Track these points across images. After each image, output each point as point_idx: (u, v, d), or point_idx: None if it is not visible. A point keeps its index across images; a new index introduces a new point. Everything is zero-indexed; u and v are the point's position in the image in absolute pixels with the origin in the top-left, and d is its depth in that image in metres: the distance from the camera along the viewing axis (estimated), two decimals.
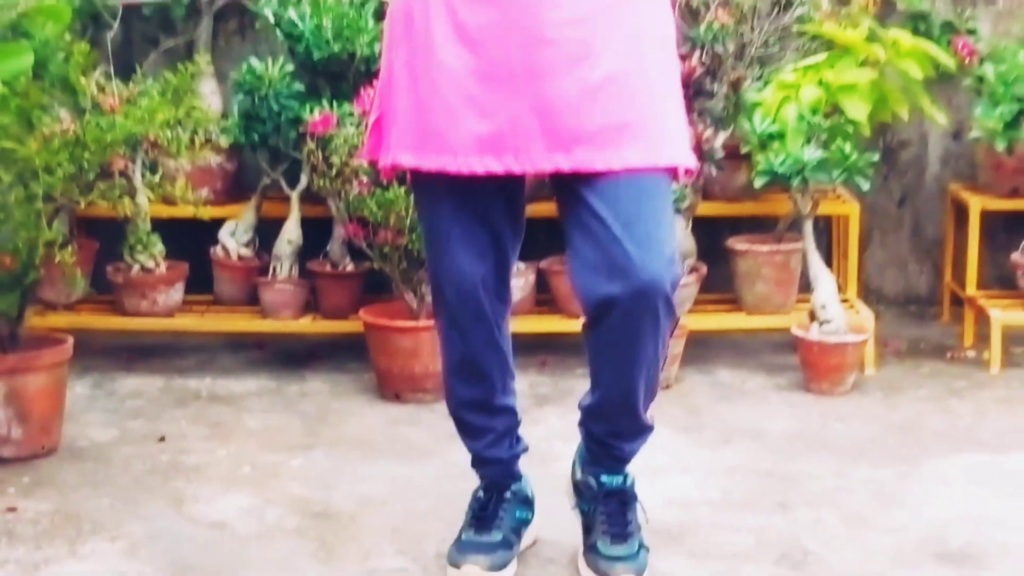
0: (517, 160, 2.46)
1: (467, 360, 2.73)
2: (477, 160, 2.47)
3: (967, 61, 4.41)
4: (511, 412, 2.83)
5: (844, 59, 4.10)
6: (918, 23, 4.51)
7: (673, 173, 2.56)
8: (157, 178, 4.00)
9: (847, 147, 3.97)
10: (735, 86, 4.26)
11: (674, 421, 3.75)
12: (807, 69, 4.09)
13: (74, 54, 3.93)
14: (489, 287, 2.65)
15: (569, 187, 2.51)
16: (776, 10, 4.36)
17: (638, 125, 2.47)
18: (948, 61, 4.19)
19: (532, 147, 2.45)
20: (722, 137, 4.17)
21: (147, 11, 4.56)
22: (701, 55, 4.21)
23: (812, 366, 4.03)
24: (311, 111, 4.05)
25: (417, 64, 2.51)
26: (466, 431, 2.84)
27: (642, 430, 2.74)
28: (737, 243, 4.33)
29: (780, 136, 3.99)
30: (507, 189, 2.60)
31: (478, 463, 2.87)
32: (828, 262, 4.34)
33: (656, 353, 2.59)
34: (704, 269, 4.29)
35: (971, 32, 4.53)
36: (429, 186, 2.60)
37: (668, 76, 2.56)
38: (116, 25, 4.46)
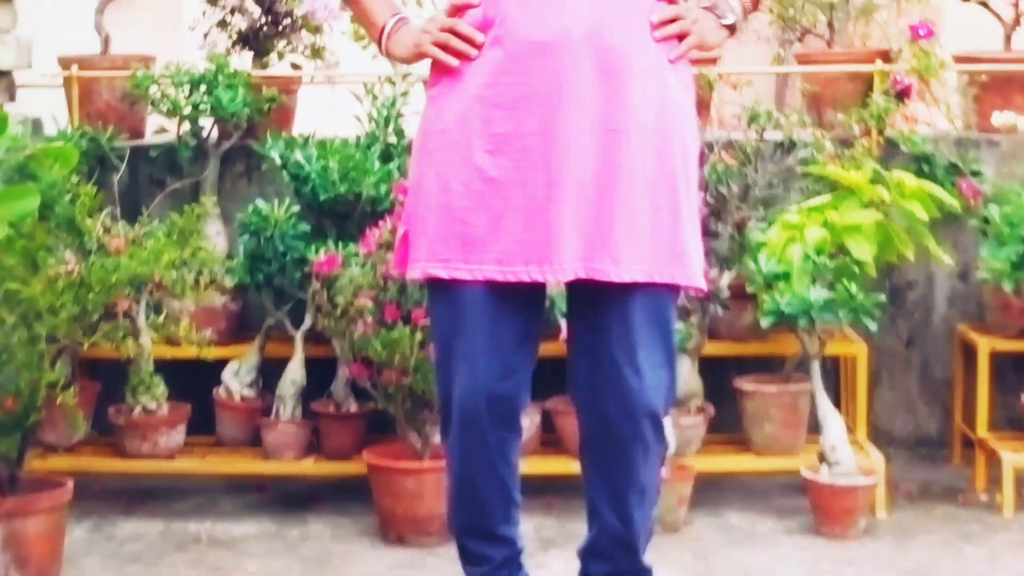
0: (551, 268, 2.47)
1: (470, 483, 2.69)
2: (522, 269, 2.48)
3: (972, 202, 4.42)
4: (511, 543, 2.77)
5: (848, 200, 4.11)
6: (922, 164, 4.52)
7: (680, 290, 2.58)
8: (161, 319, 3.99)
9: (853, 287, 3.96)
10: (740, 227, 4.27)
11: (683, 566, 3.69)
12: (812, 210, 4.09)
13: (81, 196, 3.95)
14: (498, 411, 2.61)
15: (580, 293, 2.53)
16: (779, 152, 4.39)
17: (660, 243, 2.49)
18: (953, 202, 4.20)
19: (565, 255, 2.46)
20: (728, 277, 4.17)
21: (154, 153, 4.60)
22: (706, 196, 4.23)
23: (823, 509, 3.97)
24: (316, 251, 4.06)
25: (451, 175, 2.51)
26: (467, 558, 2.79)
27: (640, 571, 2.70)
28: (744, 383, 4.30)
29: (786, 276, 3.99)
30: (531, 303, 2.59)
31: None
32: (836, 403, 4.30)
33: (649, 481, 2.58)
34: (711, 410, 4.26)
35: (975, 173, 4.54)
36: (454, 298, 2.56)
37: (691, 195, 2.58)
38: (123, 167, 4.50)
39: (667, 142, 2.52)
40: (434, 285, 2.61)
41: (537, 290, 2.57)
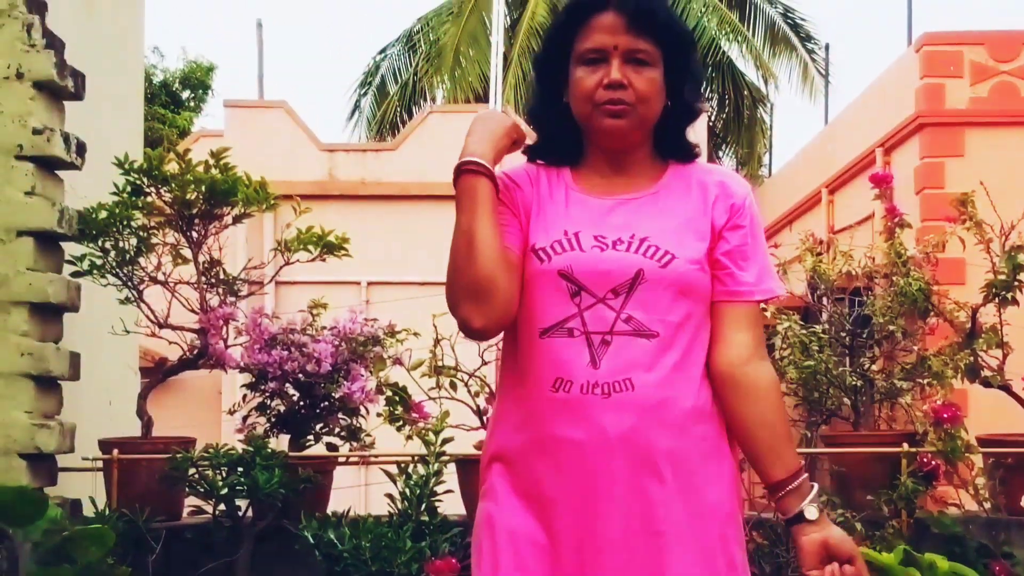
0: None
1: None
2: None
3: None
4: None
5: None
6: (953, 547, 4.50)
7: None
8: None
9: None
10: None
11: None
12: None
13: None
14: None
15: None
16: None
17: None
18: None
19: None
20: None
21: (190, 534, 4.63)
22: None
23: None
24: None
25: None
26: None
27: None
28: None
29: None
30: None
31: None
32: None
33: None
34: None
35: (1007, 556, 4.52)
36: None
37: None
38: (158, 548, 4.50)
39: (710, 541, 2.50)
40: None
41: None
